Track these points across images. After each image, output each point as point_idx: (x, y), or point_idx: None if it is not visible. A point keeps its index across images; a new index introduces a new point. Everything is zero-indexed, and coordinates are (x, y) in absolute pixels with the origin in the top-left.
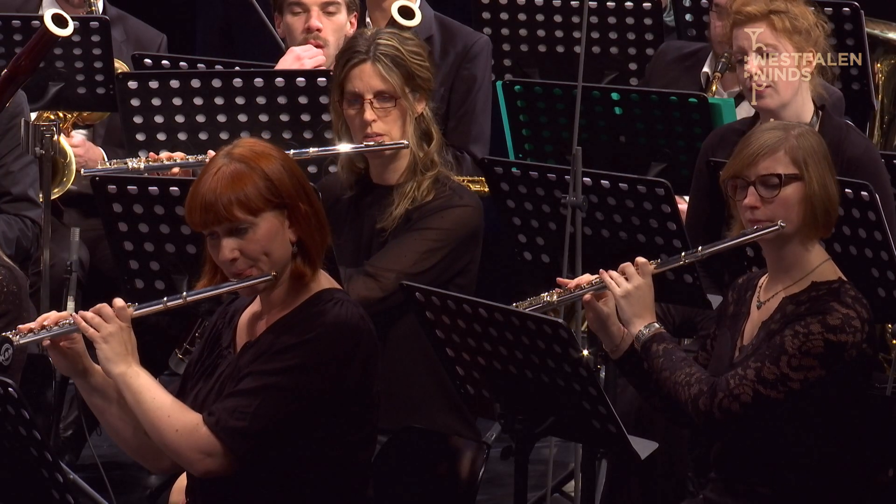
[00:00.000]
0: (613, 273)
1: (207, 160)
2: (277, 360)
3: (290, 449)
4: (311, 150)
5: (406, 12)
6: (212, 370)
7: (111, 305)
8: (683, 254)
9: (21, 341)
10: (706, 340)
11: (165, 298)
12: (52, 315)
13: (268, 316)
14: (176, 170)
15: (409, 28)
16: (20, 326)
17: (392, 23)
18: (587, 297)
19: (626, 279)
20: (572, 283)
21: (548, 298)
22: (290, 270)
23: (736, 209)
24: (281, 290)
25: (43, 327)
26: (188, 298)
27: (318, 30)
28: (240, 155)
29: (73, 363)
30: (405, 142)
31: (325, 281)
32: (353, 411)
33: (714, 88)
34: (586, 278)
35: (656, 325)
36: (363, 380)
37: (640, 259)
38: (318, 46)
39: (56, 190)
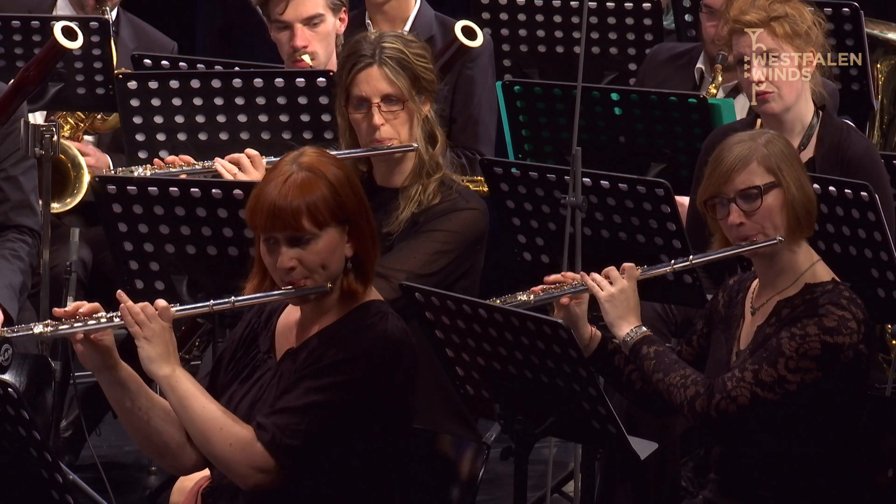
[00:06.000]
0: (596, 276)
1: (214, 166)
2: (326, 377)
3: (327, 459)
4: None
5: (469, 32)
6: (249, 373)
7: (122, 302)
8: (673, 262)
9: (55, 333)
10: (692, 336)
11: (212, 301)
12: (87, 305)
13: (312, 324)
14: (182, 176)
15: (470, 48)
16: (55, 310)
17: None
18: (564, 299)
19: (611, 283)
20: (552, 277)
21: (523, 297)
22: (341, 284)
23: (716, 227)
24: (331, 301)
25: (77, 314)
26: (236, 304)
27: (304, 46)
28: (308, 164)
29: (103, 357)
30: (414, 145)
31: (371, 292)
32: (391, 424)
33: (719, 79)
34: (570, 276)
35: (643, 329)
36: (403, 393)
37: (627, 264)
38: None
39: (69, 200)
